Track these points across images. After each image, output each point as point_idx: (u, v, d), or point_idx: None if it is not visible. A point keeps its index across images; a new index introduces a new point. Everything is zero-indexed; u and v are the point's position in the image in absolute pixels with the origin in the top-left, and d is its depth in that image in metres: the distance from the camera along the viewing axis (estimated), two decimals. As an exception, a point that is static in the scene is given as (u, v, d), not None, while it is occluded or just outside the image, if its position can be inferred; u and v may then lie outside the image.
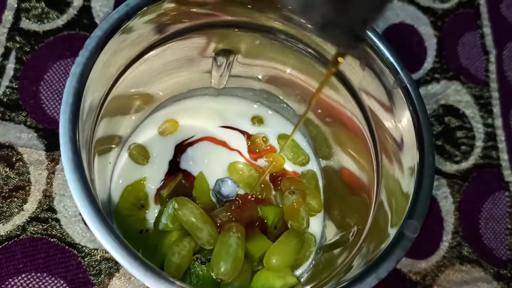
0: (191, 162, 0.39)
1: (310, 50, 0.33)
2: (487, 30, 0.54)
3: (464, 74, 0.52)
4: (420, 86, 0.50)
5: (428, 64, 0.51)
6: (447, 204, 0.47)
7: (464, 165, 0.48)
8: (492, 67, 0.52)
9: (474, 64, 0.53)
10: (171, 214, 0.34)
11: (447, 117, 0.49)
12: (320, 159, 0.41)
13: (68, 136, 0.22)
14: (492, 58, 0.53)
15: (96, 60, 0.25)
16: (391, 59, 0.29)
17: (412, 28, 0.52)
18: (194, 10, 0.28)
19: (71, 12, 0.47)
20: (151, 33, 0.29)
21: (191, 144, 0.39)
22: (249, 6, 0.30)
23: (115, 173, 0.37)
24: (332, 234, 0.37)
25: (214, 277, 0.32)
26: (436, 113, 0.49)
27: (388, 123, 0.30)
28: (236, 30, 0.32)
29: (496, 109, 0.50)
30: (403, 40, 0.53)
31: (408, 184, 0.27)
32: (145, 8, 0.26)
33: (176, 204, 0.33)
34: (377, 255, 0.25)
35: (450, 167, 0.48)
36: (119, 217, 0.36)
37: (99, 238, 0.22)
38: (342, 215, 0.37)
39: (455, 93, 0.50)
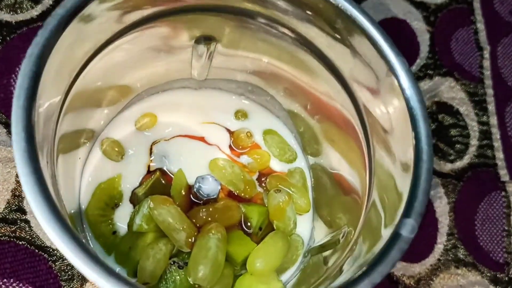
0: (170, 158, 0.37)
1: (295, 36, 0.31)
2: (480, 26, 0.53)
3: (458, 70, 0.51)
4: (413, 82, 0.49)
5: (421, 60, 0.51)
6: (441, 205, 0.45)
7: (459, 164, 0.47)
8: (487, 64, 0.52)
9: (468, 60, 0.52)
10: (146, 214, 0.32)
11: (440, 114, 0.48)
12: (308, 156, 0.39)
13: (22, 124, 0.20)
14: (486, 54, 0.52)
15: (57, 42, 0.22)
16: (385, 45, 0.27)
17: (404, 23, 0.51)
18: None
19: (46, 2, 0.45)
20: (122, 16, 0.27)
21: (169, 139, 0.37)
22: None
23: (86, 170, 0.35)
24: (321, 235, 0.35)
25: (191, 282, 0.29)
26: (430, 110, 0.49)
27: (380, 114, 0.28)
28: (215, 14, 0.30)
29: (491, 107, 0.49)
30: (395, 36, 0.52)
31: (403, 181, 0.25)
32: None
33: (151, 203, 0.31)
34: (370, 258, 0.23)
35: (444, 166, 0.47)
36: (91, 217, 0.33)
37: (52, 239, 0.19)
38: (332, 215, 0.35)
39: (448, 90, 0.49)
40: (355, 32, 0.28)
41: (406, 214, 0.23)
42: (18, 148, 0.20)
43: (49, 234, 0.19)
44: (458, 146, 0.47)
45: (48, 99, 0.24)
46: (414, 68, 0.50)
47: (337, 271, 0.27)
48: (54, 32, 0.22)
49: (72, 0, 0.23)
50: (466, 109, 0.48)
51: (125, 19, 0.27)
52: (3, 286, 0.36)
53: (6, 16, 0.44)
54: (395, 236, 0.22)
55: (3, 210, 0.37)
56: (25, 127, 0.20)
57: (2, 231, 0.36)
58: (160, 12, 0.28)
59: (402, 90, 0.26)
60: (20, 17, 0.45)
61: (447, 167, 0.46)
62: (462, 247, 0.44)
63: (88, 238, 0.33)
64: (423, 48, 0.51)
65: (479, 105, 0.49)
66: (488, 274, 0.43)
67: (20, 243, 0.36)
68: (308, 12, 0.29)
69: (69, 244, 0.19)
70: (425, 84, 0.49)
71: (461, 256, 0.44)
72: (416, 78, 0.49)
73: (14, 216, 0.37)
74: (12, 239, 0.36)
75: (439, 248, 0.44)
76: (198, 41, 0.33)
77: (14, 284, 0.36)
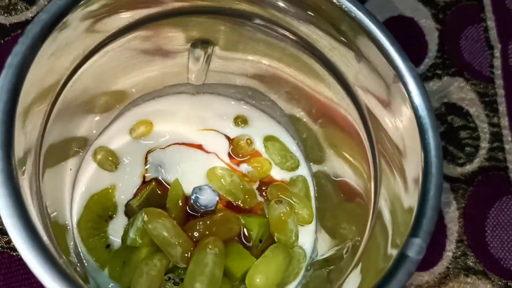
0: (166, 168, 0.35)
1: (296, 39, 0.30)
2: (491, 23, 0.52)
3: (467, 70, 0.49)
4: (421, 83, 0.48)
5: (430, 59, 0.49)
6: (450, 211, 0.44)
7: (469, 167, 0.46)
8: (497, 63, 0.50)
9: (478, 59, 0.50)
10: (140, 227, 0.30)
11: (450, 116, 0.47)
12: (311, 164, 0.38)
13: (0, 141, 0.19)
14: (497, 53, 0.51)
15: (40, 50, 0.21)
16: (392, 50, 0.25)
17: (412, 21, 0.50)
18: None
19: (42, 3, 0.44)
20: (112, 20, 0.25)
21: (165, 147, 0.36)
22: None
23: (79, 181, 0.33)
24: (325, 247, 0.34)
25: (187, 300, 0.28)
26: (438, 112, 0.47)
27: (387, 123, 0.27)
28: (210, 17, 0.28)
29: (502, 108, 0.48)
30: (402, 34, 0.51)
31: (411, 196, 0.23)
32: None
33: (145, 217, 0.30)
34: (374, 279, 0.21)
35: (453, 170, 0.45)
36: (83, 230, 0.32)
37: (33, 267, 0.18)
38: (336, 226, 0.34)
39: (458, 90, 0.48)
40: (359, 35, 0.26)
41: (414, 233, 0.21)
42: (-5, 167, 0.18)
43: (26, 258, 0.18)
44: (468, 149, 0.46)
45: (31, 110, 0.22)
46: (422, 68, 0.49)
47: (340, 289, 0.25)
48: (37, 39, 0.21)
49: (56, 4, 0.21)
50: (476, 110, 0.47)
51: (114, 23, 0.26)
52: None
53: (0, 18, 0.44)
54: (402, 257, 0.21)
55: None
56: (3, 145, 0.19)
57: (-2, 241, 0.36)
58: (152, 15, 0.27)
59: (410, 97, 0.24)
60: (15, 19, 0.44)
61: (456, 171, 0.45)
62: (472, 254, 0.43)
63: (80, 252, 0.31)
64: (431, 47, 0.49)
65: (490, 106, 0.48)
66: (499, 283, 0.42)
67: (14, 254, 0.35)
68: (310, 13, 0.28)
69: (49, 272, 0.18)
70: (433, 85, 0.48)
71: (471, 264, 0.43)
72: (425, 78, 0.48)
73: None
74: (6, 250, 0.36)
75: (448, 255, 0.43)
76: (194, 44, 0.31)
77: None
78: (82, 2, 0.22)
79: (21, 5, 0.44)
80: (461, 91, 0.48)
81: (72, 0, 0.21)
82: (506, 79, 0.49)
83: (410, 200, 0.23)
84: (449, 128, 0.47)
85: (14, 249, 0.35)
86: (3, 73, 0.20)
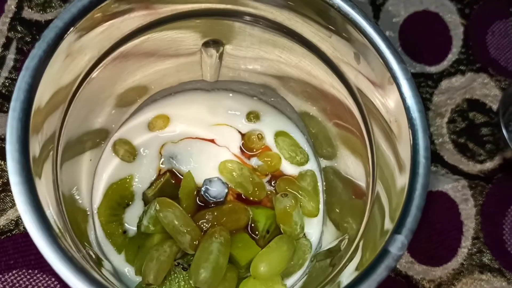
0: (180, 160, 0.37)
1: (300, 41, 0.30)
2: None
3: (492, 65, 0.49)
4: (443, 79, 0.47)
5: (453, 55, 0.49)
6: (467, 207, 0.44)
7: (489, 165, 0.45)
8: None
9: (504, 55, 0.49)
10: (153, 215, 0.32)
11: (471, 112, 0.47)
12: (320, 159, 0.39)
13: (16, 135, 0.21)
14: None
15: (55, 53, 0.23)
16: (387, 52, 0.26)
17: (436, 16, 0.50)
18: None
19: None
20: (124, 23, 0.27)
21: (180, 141, 0.37)
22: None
23: (99, 171, 0.36)
24: (330, 240, 0.35)
25: (192, 285, 0.30)
26: (460, 108, 0.47)
27: (383, 123, 0.27)
28: (220, 19, 0.30)
29: (525, 104, 0.46)
30: (426, 29, 0.51)
31: (400, 194, 0.24)
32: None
33: (157, 206, 0.32)
34: (371, 256, 0.22)
35: (472, 167, 0.45)
36: (102, 216, 0.34)
37: (40, 249, 0.20)
38: (341, 219, 0.35)
39: (481, 86, 0.47)
40: (357, 39, 0.27)
41: (397, 230, 0.22)
42: (11, 158, 0.20)
43: (35, 241, 0.20)
44: (488, 146, 0.46)
45: (49, 107, 0.24)
46: (445, 63, 0.48)
47: (336, 281, 0.26)
48: (52, 44, 0.23)
49: (70, 11, 0.23)
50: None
51: (127, 26, 0.27)
52: (28, 276, 0.37)
53: (36, 15, 0.46)
54: (384, 252, 0.22)
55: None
56: (19, 138, 0.21)
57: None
58: (163, 18, 0.28)
59: (403, 99, 0.25)
60: (49, 16, 0.46)
61: (476, 168, 0.45)
62: (488, 251, 0.43)
63: (99, 237, 0.34)
64: (455, 43, 0.49)
65: None
66: None
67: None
68: (311, 17, 0.28)
69: (54, 254, 0.20)
70: (456, 81, 0.48)
71: (487, 261, 0.42)
72: (447, 74, 0.48)
73: None
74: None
75: (463, 252, 0.43)
76: (206, 44, 0.33)
77: (38, 275, 0.37)
78: (95, 8, 0.24)
79: (56, 2, 0.47)
80: (484, 87, 0.47)
81: (85, 7, 0.23)
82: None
83: (399, 200, 0.24)
84: (470, 124, 0.46)
85: None
86: (20, 75, 0.22)
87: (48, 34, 0.23)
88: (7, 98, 0.42)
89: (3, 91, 0.43)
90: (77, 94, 0.27)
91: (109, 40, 0.27)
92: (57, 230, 0.20)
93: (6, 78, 0.43)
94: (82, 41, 0.25)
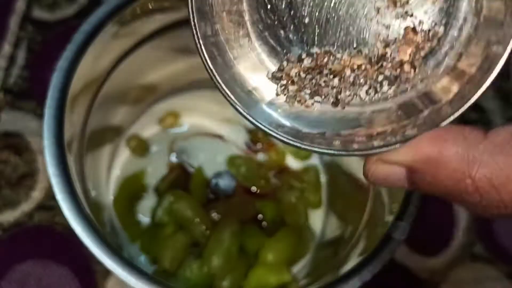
0: (190, 155, 0.39)
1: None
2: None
3: None
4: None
5: None
6: None
7: (481, 159, 0.47)
8: None
9: None
10: (167, 207, 0.34)
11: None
12: (323, 154, 0.40)
13: (52, 131, 0.23)
14: None
15: (85, 54, 0.25)
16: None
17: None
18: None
19: (82, 1, 0.47)
20: (143, 26, 0.29)
21: (190, 137, 0.39)
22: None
23: (114, 165, 0.37)
24: (333, 230, 0.37)
25: (205, 271, 0.32)
26: None
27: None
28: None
29: (518, 102, 0.48)
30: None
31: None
32: (135, 3, 0.25)
33: (171, 198, 0.34)
34: (374, 242, 0.24)
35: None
36: (118, 208, 0.36)
37: (79, 233, 0.22)
38: (343, 211, 0.37)
39: None
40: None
41: (400, 217, 0.24)
42: (49, 152, 0.22)
43: (74, 227, 0.22)
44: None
45: (77, 103, 0.26)
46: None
47: (339, 268, 0.28)
48: (81, 46, 0.25)
49: (97, 17, 0.25)
50: (491, 103, 0.47)
51: (144, 29, 0.29)
52: (43, 265, 0.38)
53: (46, 15, 0.47)
54: (387, 237, 0.24)
55: (43, 197, 0.40)
56: (55, 134, 0.23)
57: (42, 216, 0.39)
58: (177, 20, 0.30)
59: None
60: (58, 15, 0.47)
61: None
62: (479, 241, 0.44)
63: (115, 227, 0.36)
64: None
65: (505, 100, 0.48)
66: (505, 270, 0.43)
67: (58, 228, 0.39)
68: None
69: (91, 237, 0.22)
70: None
71: (478, 251, 0.44)
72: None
73: (52, 203, 0.39)
74: (51, 224, 0.39)
75: (455, 242, 0.44)
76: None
77: (52, 265, 0.38)
78: (118, 14, 0.25)
79: (64, 2, 0.47)
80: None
81: (109, 13, 0.25)
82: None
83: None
84: (460, 121, 0.47)
85: (58, 223, 0.39)
86: (54, 75, 0.24)
87: (78, 38, 0.25)
88: (18, 96, 0.43)
89: (15, 89, 0.44)
90: (100, 91, 0.29)
91: (129, 42, 0.29)
92: (92, 218, 0.22)
93: (18, 76, 0.44)
94: (107, 43, 0.27)
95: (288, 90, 0.19)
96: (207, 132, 0.40)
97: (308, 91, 0.19)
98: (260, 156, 0.40)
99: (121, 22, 0.27)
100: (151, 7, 0.27)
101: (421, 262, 0.43)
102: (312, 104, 0.19)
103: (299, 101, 0.19)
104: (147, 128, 0.39)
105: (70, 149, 0.25)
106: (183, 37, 0.33)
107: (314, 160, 0.40)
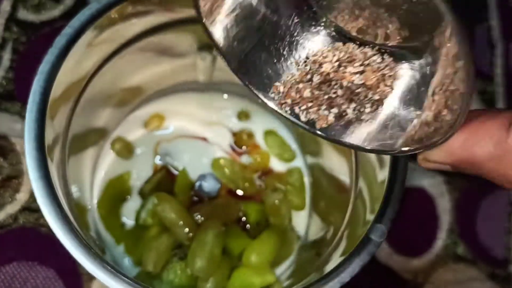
0: (175, 157, 0.39)
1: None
2: (494, 22, 0.52)
3: None
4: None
5: None
6: (443, 202, 0.46)
7: (464, 162, 0.47)
8: (498, 61, 0.51)
9: (478, 58, 0.51)
10: (151, 209, 0.34)
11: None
12: (307, 156, 0.41)
13: (33, 135, 0.23)
14: (498, 51, 0.51)
15: (66, 58, 0.25)
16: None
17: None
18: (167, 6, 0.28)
19: (68, 2, 0.47)
20: (126, 30, 0.29)
21: (175, 139, 0.39)
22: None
23: (98, 167, 0.37)
24: (316, 231, 0.37)
25: (189, 273, 0.32)
26: None
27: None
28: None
29: (500, 105, 0.49)
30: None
31: (380, 188, 0.26)
32: (117, 6, 0.26)
33: (155, 200, 0.34)
34: (354, 243, 0.25)
35: (448, 164, 0.47)
36: (102, 210, 0.36)
37: (59, 237, 0.22)
38: (326, 213, 0.37)
39: None
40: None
41: (379, 220, 0.24)
42: (30, 157, 0.22)
43: (55, 230, 0.22)
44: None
45: (59, 107, 0.26)
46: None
47: (322, 268, 0.29)
48: (63, 50, 0.25)
49: (79, 20, 0.25)
50: (473, 106, 0.48)
51: (128, 32, 0.29)
52: (28, 268, 0.38)
53: (31, 16, 0.46)
54: (366, 240, 0.24)
55: (28, 199, 0.40)
56: (37, 138, 0.23)
57: (27, 218, 0.39)
58: (161, 24, 0.30)
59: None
60: (44, 17, 0.46)
61: (451, 165, 0.47)
62: (462, 243, 0.44)
63: (99, 229, 0.36)
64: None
65: (487, 102, 0.49)
66: (486, 270, 0.44)
67: (43, 229, 0.39)
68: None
69: (71, 240, 0.22)
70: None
71: (460, 252, 0.44)
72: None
73: (38, 205, 0.40)
74: (36, 226, 0.39)
75: (438, 243, 0.45)
76: (201, 48, 0.35)
77: (38, 267, 0.38)
78: (100, 18, 0.26)
79: (50, 3, 0.47)
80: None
81: (92, 17, 0.25)
82: (506, 77, 0.50)
83: (379, 193, 0.27)
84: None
85: (43, 225, 0.39)
86: (35, 79, 0.24)
87: (60, 41, 0.25)
88: (3, 97, 0.43)
89: (0, 90, 0.44)
90: (83, 95, 0.29)
91: (111, 45, 0.29)
92: (73, 222, 0.22)
93: (3, 77, 0.44)
94: (89, 47, 0.27)
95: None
96: (191, 135, 0.40)
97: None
98: (245, 159, 0.40)
99: (104, 25, 0.27)
100: (133, 11, 0.27)
101: (405, 262, 0.44)
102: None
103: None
104: (132, 131, 0.39)
105: (53, 153, 0.26)
106: (167, 40, 0.33)
107: (298, 163, 0.41)
